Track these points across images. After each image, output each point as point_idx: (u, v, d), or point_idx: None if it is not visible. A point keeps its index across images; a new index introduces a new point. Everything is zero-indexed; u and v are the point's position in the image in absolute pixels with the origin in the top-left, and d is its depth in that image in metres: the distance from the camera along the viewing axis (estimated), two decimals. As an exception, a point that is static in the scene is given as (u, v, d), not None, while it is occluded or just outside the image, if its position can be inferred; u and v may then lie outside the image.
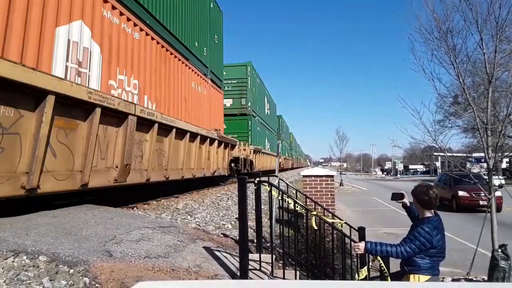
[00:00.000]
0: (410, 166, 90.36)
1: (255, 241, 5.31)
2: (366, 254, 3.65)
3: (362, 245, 3.21)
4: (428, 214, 3.13)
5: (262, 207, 5.30)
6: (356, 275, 3.91)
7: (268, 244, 5.44)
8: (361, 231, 4.73)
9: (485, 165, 5.81)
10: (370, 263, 3.69)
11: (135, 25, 7.26)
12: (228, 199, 10.25)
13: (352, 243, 3.47)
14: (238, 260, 3.95)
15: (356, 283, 2.84)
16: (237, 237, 4.99)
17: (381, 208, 15.74)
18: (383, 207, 15.94)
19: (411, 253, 3.01)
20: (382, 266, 3.32)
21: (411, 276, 3.06)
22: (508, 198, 6.04)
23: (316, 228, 4.42)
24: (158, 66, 8.30)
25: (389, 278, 3.26)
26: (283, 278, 4.26)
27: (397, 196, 3.52)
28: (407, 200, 3.51)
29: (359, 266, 4.44)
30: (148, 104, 7.69)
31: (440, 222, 3.13)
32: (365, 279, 3.58)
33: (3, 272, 2.84)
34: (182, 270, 3.70)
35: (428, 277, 3.02)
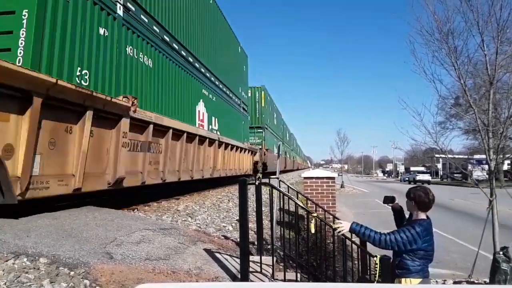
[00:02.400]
0: (412, 168, 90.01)
1: (255, 243, 5.30)
2: (367, 256, 3.64)
3: (346, 224, 3.24)
4: (422, 216, 3.15)
5: (263, 209, 5.30)
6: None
7: (269, 246, 5.42)
8: (362, 233, 4.71)
9: (486, 167, 5.78)
10: (372, 265, 3.68)
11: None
12: (229, 200, 10.24)
13: (336, 221, 3.48)
14: (239, 262, 3.94)
15: (356, 286, 2.83)
16: (238, 239, 4.98)
17: (382, 210, 15.68)
18: (384, 209, 15.86)
19: (389, 244, 3.01)
20: (377, 266, 3.29)
21: (403, 280, 3.05)
22: (509, 200, 6.02)
23: (313, 231, 4.41)
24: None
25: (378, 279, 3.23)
26: (284, 280, 4.25)
27: (388, 199, 3.57)
28: (398, 204, 3.54)
29: (360, 268, 4.44)
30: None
31: (431, 225, 3.14)
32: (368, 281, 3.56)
33: (4, 274, 2.84)
34: (183, 272, 3.69)
35: (420, 279, 3.01)
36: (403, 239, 3.00)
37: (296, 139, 65.15)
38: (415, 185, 3.36)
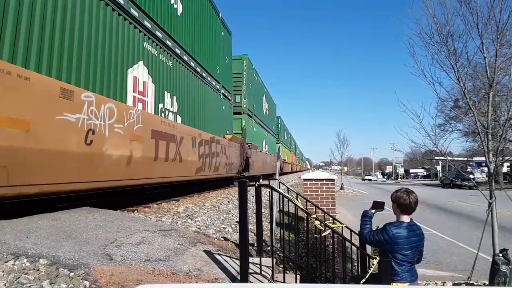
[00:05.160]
0: (411, 170, 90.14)
1: (255, 244, 5.30)
2: (367, 258, 3.64)
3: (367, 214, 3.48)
4: (403, 218, 3.15)
5: (263, 211, 5.30)
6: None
7: (269, 248, 5.43)
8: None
9: (486, 169, 5.79)
10: (372, 267, 3.68)
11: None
12: (228, 202, 10.24)
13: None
14: (239, 264, 3.94)
15: (355, 287, 2.84)
16: (238, 241, 4.98)
17: (381, 212, 15.69)
18: (384, 211, 15.86)
19: (366, 239, 3.30)
20: (373, 265, 3.29)
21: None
22: (509, 202, 6.03)
23: (322, 228, 4.41)
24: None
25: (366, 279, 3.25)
26: (284, 281, 4.25)
27: (377, 205, 3.58)
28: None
29: (359, 270, 4.44)
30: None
31: (413, 228, 3.12)
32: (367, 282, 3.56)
33: (4, 275, 2.84)
34: (183, 274, 3.69)
35: (407, 284, 3.00)
36: (376, 239, 3.12)
37: (299, 147, 68.23)
38: (399, 188, 3.38)
